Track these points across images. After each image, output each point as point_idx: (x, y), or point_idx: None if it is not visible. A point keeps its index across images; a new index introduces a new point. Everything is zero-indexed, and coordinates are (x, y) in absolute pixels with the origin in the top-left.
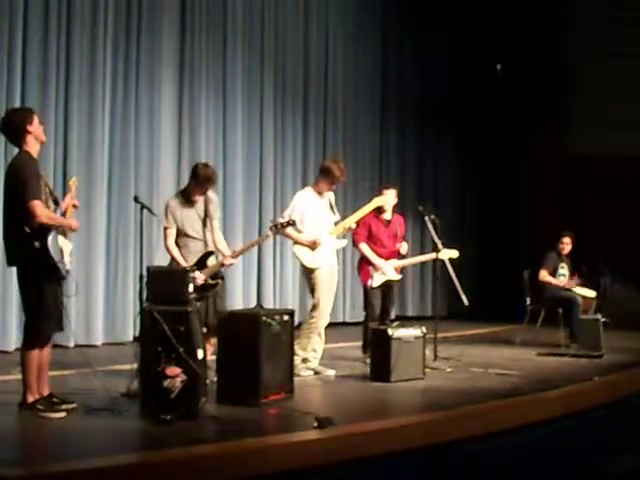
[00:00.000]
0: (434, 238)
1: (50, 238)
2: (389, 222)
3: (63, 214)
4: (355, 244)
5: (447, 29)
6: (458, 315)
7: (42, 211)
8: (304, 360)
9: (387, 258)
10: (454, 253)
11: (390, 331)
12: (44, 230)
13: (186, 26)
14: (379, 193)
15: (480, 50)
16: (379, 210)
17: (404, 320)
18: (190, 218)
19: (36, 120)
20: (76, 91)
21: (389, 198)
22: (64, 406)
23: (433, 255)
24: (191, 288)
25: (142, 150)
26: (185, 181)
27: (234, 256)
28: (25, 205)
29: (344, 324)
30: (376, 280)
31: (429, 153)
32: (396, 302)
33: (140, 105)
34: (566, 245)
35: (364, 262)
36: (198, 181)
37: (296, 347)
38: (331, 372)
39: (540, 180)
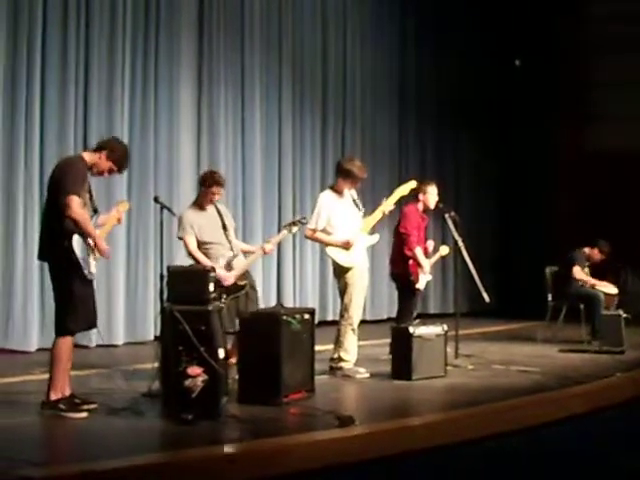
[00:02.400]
0: (454, 235)
1: (75, 239)
2: (424, 219)
3: (100, 226)
4: (409, 248)
5: (465, 25)
6: (479, 312)
7: (77, 207)
8: (338, 359)
9: (426, 257)
10: (444, 249)
11: (411, 329)
12: (72, 230)
13: (204, 26)
14: (414, 191)
15: (499, 45)
16: (424, 209)
17: (425, 318)
18: (208, 225)
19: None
20: (95, 92)
21: (433, 194)
22: (85, 406)
23: (440, 254)
24: (212, 287)
25: (161, 151)
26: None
27: (272, 242)
28: (63, 196)
29: (365, 322)
30: (421, 282)
31: (448, 151)
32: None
33: (159, 105)
34: (597, 255)
35: (413, 264)
36: (206, 186)
37: (337, 349)
38: (362, 370)
39: (561, 176)
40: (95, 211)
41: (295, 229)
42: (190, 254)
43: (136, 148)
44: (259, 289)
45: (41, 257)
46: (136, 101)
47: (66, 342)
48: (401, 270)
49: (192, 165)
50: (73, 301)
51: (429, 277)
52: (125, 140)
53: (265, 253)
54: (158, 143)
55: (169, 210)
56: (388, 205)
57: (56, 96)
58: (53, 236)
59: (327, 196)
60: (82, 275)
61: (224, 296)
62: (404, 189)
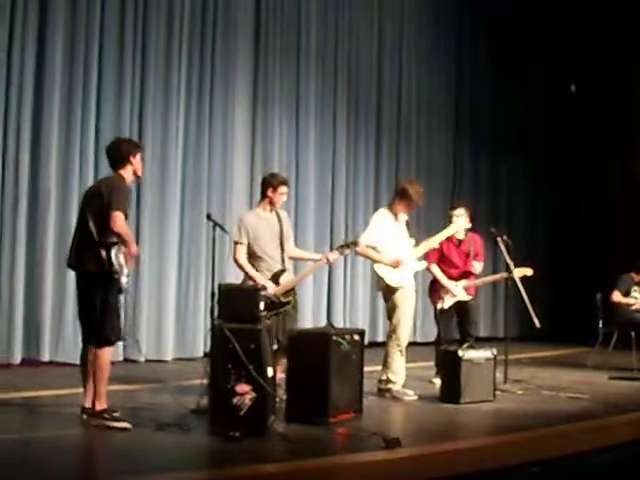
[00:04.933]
0: (507, 259)
1: (114, 251)
2: (461, 242)
3: None
4: (426, 265)
5: (521, 49)
6: (529, 337)
7: (122, 223)
8: (386, 381)
9: (458, 279)
10: (527, 271)
11: (460, 352)
12: (113, 242)
13: (260, 46)
14: (448, 215)
15: (554, 70)
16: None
17: (475, 341)
18: (266, 233)
19: (140, 155)
20: (150, 109)
21: (461, 219)
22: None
23: (504, 274)
24: (262, 306)
25: (215, 168)
26: (257, 199)
27: (335, 253)
28: (109, 212)
29: (415, 344)
30: (446, 302)
31: (502, 174)
32: (477, 321)
33: (214, 124)
34: None
35: (435, 284)
36: (274, 186)
37: (385, 370)
38: (410, 392)
39: (615, 201)
40: None
41: (347, 251)
42: (236, 261)
43: (190, 166)
44: (309, 308)
45: (73, 266)
46: (191, 119)
47: (107, 352)
48: (429, 287)
49: (245, 183)
50: (111, 311)
51: (462, 297)
52: (179, 157)
53: (329, 262)
54: (212, 161)
55: (221, 228)
56: (433, 242)
57: (111, 111)
58: (93, 247)
59: (382, 215)
60: (119, 286)
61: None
62: (450, 231)
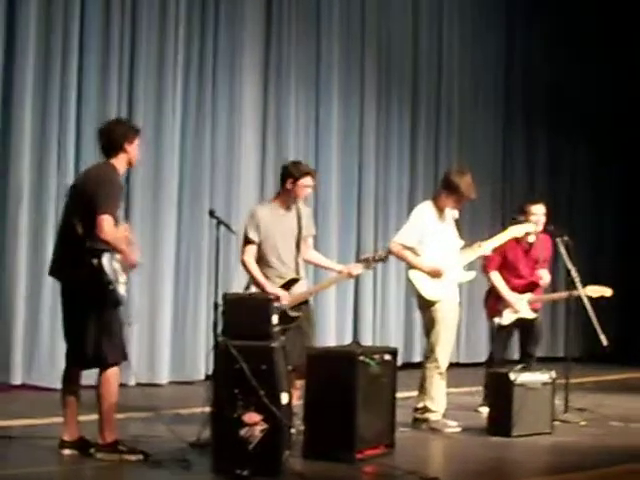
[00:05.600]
0: (567, 264)
1: (106, 257)
2: (531, 245)
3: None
4: (484, 271)
5: (583, 13)
6: (595, 357)
7: (110, 228)
8: (424, 410)
9: (523, 291)
10: (606, 291)
11: (512, 375)
12: (103, 249)
13: (272, 9)
14: (521, 210)
15: (619, 42)
16: (527, 233)
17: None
18: (278, 235)
19: (136, 142)
20: (142, 86)
21: (541, 218)
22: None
23: (579, 292)
24: (275, 320)
25: (219, 156)
26: (269, 192)
27: (360, 267)
28: (95, 216)
29: (457, 365)
30: (505, 318)
31: (562, 165)
32: (540, 341)
33: (217, 103)
34: None
35: (493, 294)
36: (295, 178)
37: (422, 397)
38: (452, 423)
39: None
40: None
41: (373, 266)
42: (244, 263)
43: (189, 153)
44: (331, 322)
45: (56, 275)
46: (190, 97)
47: (113, 375)
48: (485, 298)
49: (255, 174)
50: (109, 328)
51: (525, 315)
52: (176, 144)
53: (351, 276)
54: (215, 147)
55: (226, 226)
56: (487, 248)
57: (95, 90)
58: (79, 253)
59: (425, 209)
60: (115, 298)
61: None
62: (509, 234)
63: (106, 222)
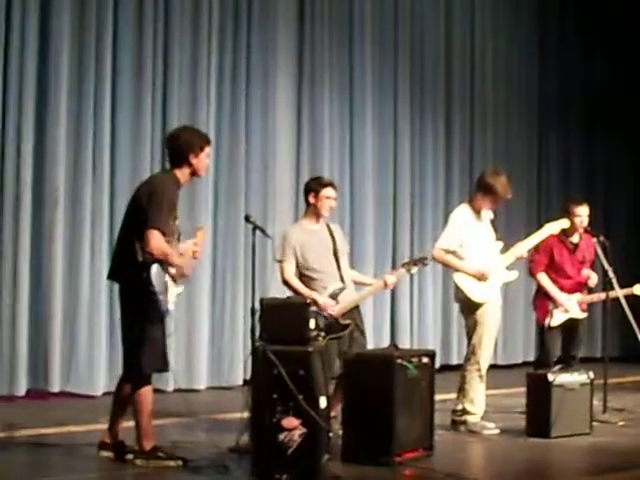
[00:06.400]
0: (604, 264)
1: (155, 269)
2: (576, 246)
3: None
4: (531, 273)
5: (623, 11)
6: (633, 357)
7: (158, 243)
8: (462, 412)
9: (570, 291)
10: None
11: (550, 376)
12: (154, 260)
13: (305, 11)
14: (565, 210)
15: None
16: (565, 231)
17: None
18: (316, 247)
19: (205, 152)
20: (175, 91)
21: (585, 220)
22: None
23: (629, 290)
24: (313, 324)
25: (254, 161)
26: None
27: (396, 275)
28: (144, 229)
29: (495, 367)
30: (556, 319)
31: (599, 165)
32: (584, 343)
33: (251, 108)
34: None
35: (541, 296)
36: (316, 192)
37: (461, 399)
38: (491, 425)
39: None
40: (178, 238)
41: (415, 270)
42: (285, 282)
43: (223, 160)
44: (368, 325)
45: (113, 277)
46: (223, 103)
47: (147, 389)
48: (534, 300)
49: (290, 178)
50: (149, 340)
51: (575, 314)
52: (211, 150)
53: (386, 287)
54: (250, 152)
55: (262, 231)
56: (522, 249)
57: (129, 93)
58: (130, 265)
59: (463, 212)
60: (159, 311)
61: (322, 335)
62: (546, 232)
63: (153, 237)
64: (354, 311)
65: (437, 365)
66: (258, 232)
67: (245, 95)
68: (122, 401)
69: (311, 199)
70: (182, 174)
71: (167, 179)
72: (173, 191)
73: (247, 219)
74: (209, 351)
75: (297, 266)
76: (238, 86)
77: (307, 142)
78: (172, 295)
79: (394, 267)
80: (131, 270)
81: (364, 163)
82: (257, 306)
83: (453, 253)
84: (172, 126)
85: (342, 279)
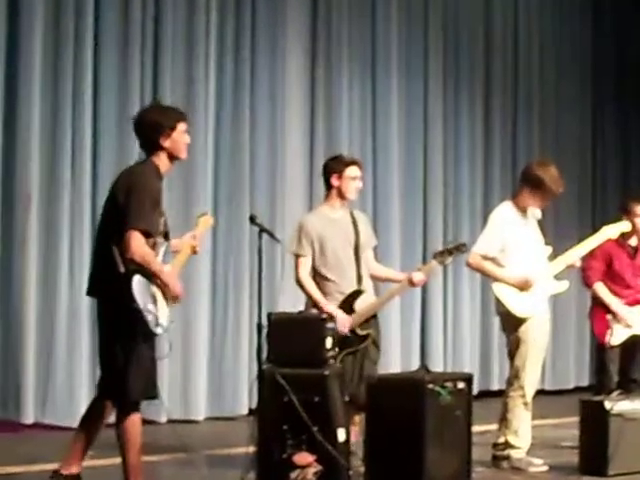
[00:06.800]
0: None
1: (136, 279)
2: (636, 250)
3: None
4: (586, 283)
5: None
6: None
7: (139, 247)
8: (505, 445)
9: (631, 303)
10: None
11: (607, 404)
12: (136, 269)
13: None
14: (623, 209)
15: None
16: (623, 233)
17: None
18: (335, 243)
19: (178, 131)
20: (168, 73)
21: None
22: None
23: None
24: (330, 343)
25: (260, 153)
26: (320, 193)
27: (424, 271)
28: (125, 231)
29: (543, 393)
30: (617, 335)
31: None
32: None
33: (257, 89)
34: None
35: (599, 309)
36: (338, 174)
37: (503, 430)
38: (538, 462)
39: None
40: (166, 237)
41: (449, 260)
42: (299, 282)
43: (225, 147)
44: (394, 343)
45: (92, 293)
46: (225, 83)
47: (135, 414)
48: (590, 313)
49: (303, 171)
50: (136, 359)
51: (637, 330)
52: (209, 139)
53: (413, 285)
54: (255, 141)
55: (270, 235)
56: (574, 256)
57: (113, 77)
58: (109, 277)
59: (505, 211)
60: (145, 329)
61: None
62: (602, 236)
63: (134, 238)
64: (372, 320)
65: (475, 391)
66: (265, 235)
67: (249, 71)
68: (94, 419)
69: (334, 181)
70: (160, 161)
71: (145, 169)
72: (154, 182)
73: (252, 220)
74: (208, 375)
75: (312, 262)
76: (241, 64)
77: (322, 128)
78: (163, 309)
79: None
80: (111, 283)
81: (389, 150)
82: (264, 322)
83: (492, 260)
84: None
85: (360, 280)
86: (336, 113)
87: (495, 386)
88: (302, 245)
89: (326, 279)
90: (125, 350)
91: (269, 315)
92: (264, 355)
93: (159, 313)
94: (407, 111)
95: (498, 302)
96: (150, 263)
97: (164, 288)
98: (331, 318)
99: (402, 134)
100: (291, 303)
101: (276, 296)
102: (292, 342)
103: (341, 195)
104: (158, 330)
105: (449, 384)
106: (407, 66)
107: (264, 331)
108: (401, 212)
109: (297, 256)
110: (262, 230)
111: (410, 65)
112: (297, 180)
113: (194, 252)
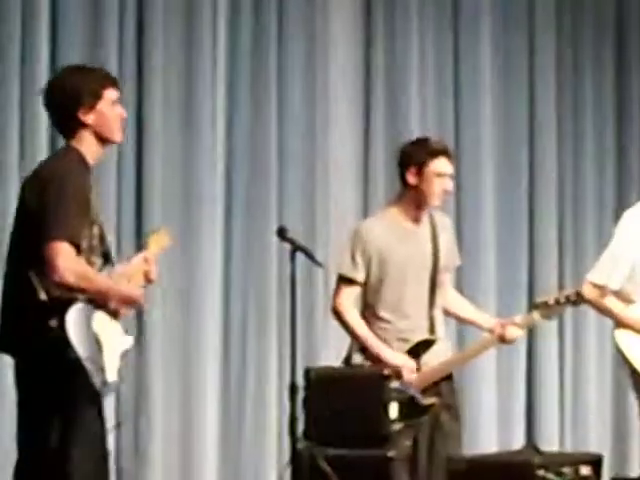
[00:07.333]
0: None
1: (73, 313)
2: None
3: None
4: None
5: None
6: None
7: (69, 261)
8: None
9: None
10: None
11: None
12: (69, 298)
13: None
14: None
15: None
16: None
17: None
18: (404, 267)
19: (105, 100)
20: (159, 26)
21: None
22: None
23: None
24: (394, 411)
25: (291, 140)
26: (379, 197)
27: (520, 324)
28: (43, 245)
29: None
30: None
31: None
32: None
33: (287, 50)
34: None
35: None
36: (419, 167)
37: None
38: None
39: None
40: (106, 258)
41: (558, 313)
42: (337, 312)
43: (242, 132)
44: (489, 412)
45: (3, 348)
46: (241, 41)
47: None
48: None
49: (354, 167)
50: (80, 435)
51: None
52: (220, 120)
53: (504, 341)
54: (285, 122)
55: (306, 254)
56: None
57: (82, 35)
58: (26, 313)
59: (634, 223)
60: (93, 385)
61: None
62: None
63: (59, 253)
64: (444, 384)
65: (606, 478)
66: (300, 256)
67: (276, 29)
68: None
69: (410, 179)
70: (84, 145)
71: (65, 160)
72: (78, 176)
73: (281, 235)
74: (219, 461)
75: (366, 289)
76: (265, 13)
77: (382, 103)
78: (112, 354)
79: (530, 307)
80: (29, 321)
81: (478, 135)
82: (300, 381)
83: (617, 294)
84: (154, 87)
85: (432, 323)
86: (400, 80)
87: (635, 471)
88: (357, 264)
89: (381, 319)
90: (64, 422)
91: (307, 371)
92: (300, 429)
93: (105, 361)
94: (504, 77)
95: (622, 356)
96: (91, 280)
97: (116, 302)
98: (397, 375)
99: (497, 113)
100: (337, 352)
101: (316, 343)
102: (340, 410)
103: (420, 199)
104: (107, 386)
105: (568, 469)
106: (504, 13)
107: (300, 395)
108: (496, 229)
109: (342, 280)
110: (296, 249)
111: (507, 12)
112: (346, 176)
113: (148, 281)
